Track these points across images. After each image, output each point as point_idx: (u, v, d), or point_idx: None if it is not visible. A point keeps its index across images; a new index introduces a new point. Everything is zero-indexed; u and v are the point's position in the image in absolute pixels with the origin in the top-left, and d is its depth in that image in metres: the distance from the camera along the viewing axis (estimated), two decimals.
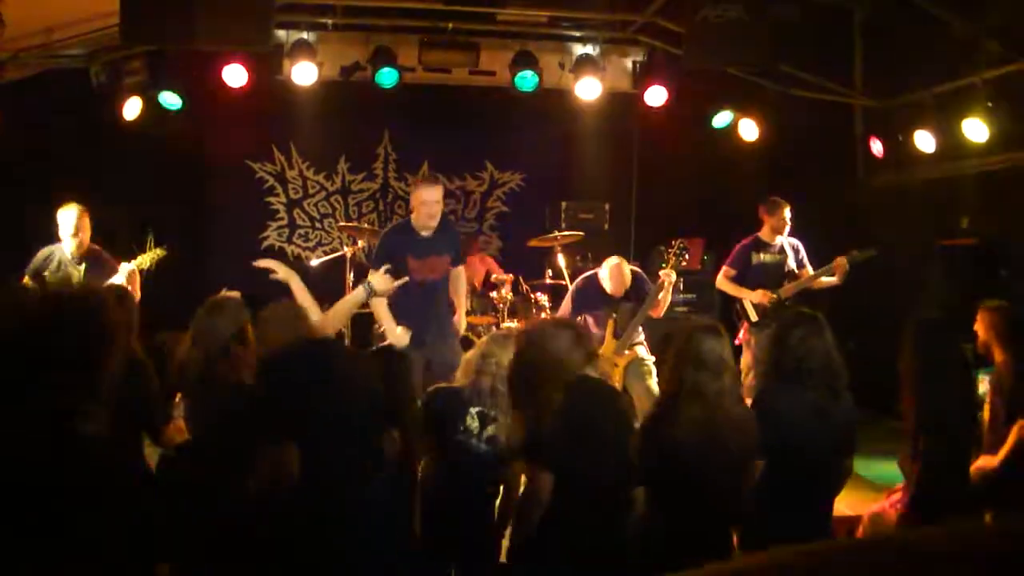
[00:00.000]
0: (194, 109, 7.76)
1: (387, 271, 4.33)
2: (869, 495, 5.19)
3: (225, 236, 8.82)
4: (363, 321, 6.70)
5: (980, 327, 4.65)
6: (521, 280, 7.96)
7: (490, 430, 3.68)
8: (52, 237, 5.90)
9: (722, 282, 6.89)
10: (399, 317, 5.05)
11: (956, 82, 6.89)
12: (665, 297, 5.97)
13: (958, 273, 7.04)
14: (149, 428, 3.83)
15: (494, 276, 7.93)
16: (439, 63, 8.14)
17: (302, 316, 3.63)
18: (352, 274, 7.83)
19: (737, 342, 6.60)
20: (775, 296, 6.56)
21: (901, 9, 6.98)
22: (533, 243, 8.04)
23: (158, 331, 4.67)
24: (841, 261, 6.46)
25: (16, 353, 2.20)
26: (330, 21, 7.88)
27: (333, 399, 2.94)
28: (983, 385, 4.88)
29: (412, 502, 3.50)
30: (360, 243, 7.98)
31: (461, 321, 5.81)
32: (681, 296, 8.10)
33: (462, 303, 5.84)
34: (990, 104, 6.47)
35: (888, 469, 5.48)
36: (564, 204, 8.75)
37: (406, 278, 4.60)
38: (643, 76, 8.18)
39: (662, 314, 6.11)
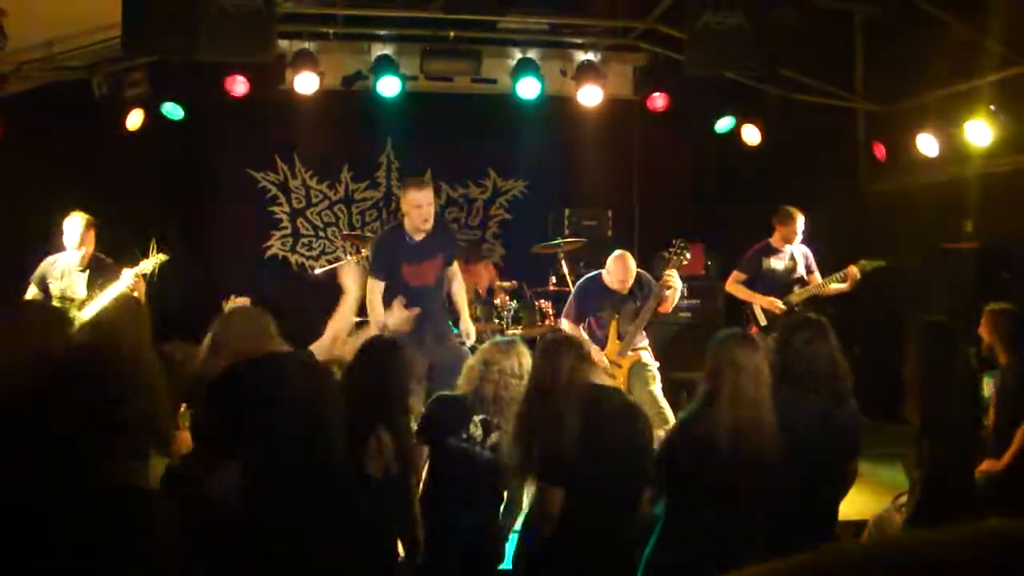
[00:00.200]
0: (196, 119, 7.80)
1: (404, 304, 4.33)
2: (874, 499, 5.17)
3: (227, 245, 8.84)
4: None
5: (985, 330, 4.64)
6: (525, 287, 7.96)
7: (493, 438, 3.68)
8: (55, 247, 5.92)
9: (732, 286, 6.88)
10: None
11: (958, 85, 6.87)
12: (673, 294, 5.93)
13: (961, 277, 7.02)
14: (158, 440, 3.83)
15: (495, 284, 7.94)
16: (441, 71, 8.18)
17: (265, 325, 3.46)
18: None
19: None
20: (784, 307, 6.55)
21: (902, 12, 6.97)
22: (537, 250, 8.04)
23: (163, 341, 4.67)
24: (853, 269, 6.45)
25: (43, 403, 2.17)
26: (332, 31, 7.91)
27: (281, 416, 2.75)
28: (988, 388, 4.87)
29: (410, 508, 3.49)
30: (364, 251, 7.97)
31: (469, 327, 5.77)
32: (685, 302, 8.06)
33: (464, 307, 5.82)
34: (993, 107, 6.45)
35: (893, 473, 5.48)
36: (567, 211, 8.77)
37: (417, 309, 4.63)
38: (645, 82, 8.20)
39: (671, 309, 6.08)
